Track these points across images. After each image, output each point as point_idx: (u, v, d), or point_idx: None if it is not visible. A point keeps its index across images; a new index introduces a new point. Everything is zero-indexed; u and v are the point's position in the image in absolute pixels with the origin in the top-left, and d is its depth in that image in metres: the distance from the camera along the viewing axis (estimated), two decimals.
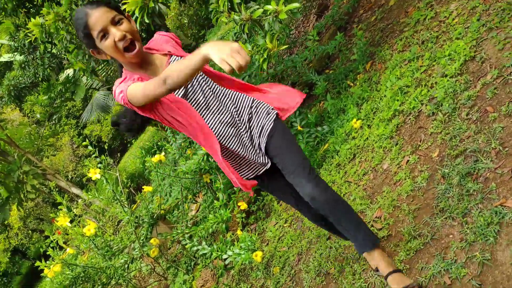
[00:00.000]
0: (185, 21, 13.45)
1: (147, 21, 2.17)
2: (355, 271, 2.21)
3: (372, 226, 2.33)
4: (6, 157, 8.22)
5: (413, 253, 2.00)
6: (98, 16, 1.39)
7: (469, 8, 3.00)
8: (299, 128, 3.55)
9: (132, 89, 1.41)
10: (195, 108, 1.59)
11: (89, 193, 3.72)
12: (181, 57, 1.59)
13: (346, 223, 1.71)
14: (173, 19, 12.90)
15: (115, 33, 1.41)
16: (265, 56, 2.28)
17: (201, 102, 1.60)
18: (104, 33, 1.42)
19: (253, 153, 1.71)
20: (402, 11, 3.87)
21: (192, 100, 1.59)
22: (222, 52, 1.14)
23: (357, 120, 3.14)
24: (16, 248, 14.68)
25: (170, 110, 1.55)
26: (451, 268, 1.77)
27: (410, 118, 2.71)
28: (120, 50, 1.43)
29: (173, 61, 1.57)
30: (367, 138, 2.99)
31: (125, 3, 2.39)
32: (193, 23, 13.69)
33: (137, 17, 2.18)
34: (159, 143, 4.90)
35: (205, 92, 1.60)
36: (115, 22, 1.43)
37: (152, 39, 1.67)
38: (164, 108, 1.55)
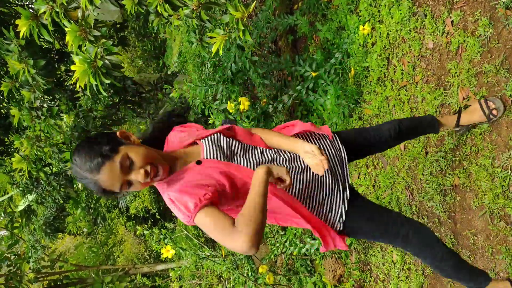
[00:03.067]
0: (140, 63, 13.15)
1: (107, 81, 1.87)
2: (485, 166, 1.85)
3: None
4: (86, 282, 8.21)
5: None
6: (109, 179, 1.20)
7: None
8: (313, 74, 3.17)
9: (205, 217, 1.19)
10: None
11: (175, 267, 3.52)
12: (207, 136, 1.41)
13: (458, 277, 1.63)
14: (128, 69, 12.62)
15: (137, 178, 1.22)
16: (242, 27, 1.92)
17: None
18: (128, 183, 1.23)
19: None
20: None
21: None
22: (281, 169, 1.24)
23: (363, 25, 2.73)
24: None
25: None
26: None
27: None
28: (151, 183, 1.27)
29: (206, 142, 1.39)
30: (387, 34, 2.58)
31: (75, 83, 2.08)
32: (147, 60, 13.38)
33: (96, 85, 1.88)
34: None
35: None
36: (127, 169, 1.22)
37: (167, 141, 1.49)
38: None
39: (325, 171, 1.43)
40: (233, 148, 1.39)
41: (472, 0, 1.93)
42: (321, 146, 1.52)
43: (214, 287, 5.66)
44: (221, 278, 5.72)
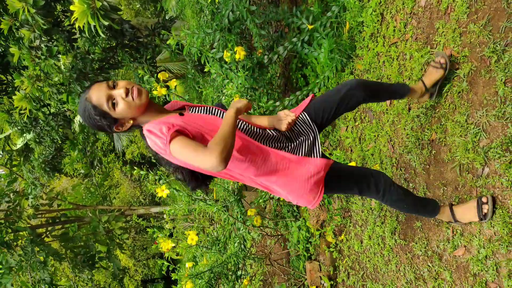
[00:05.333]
0: (137, 6, 12.84)
1: (105, 23, 1.92)
2: (459, 122, 1.98)
3: (452, 64, 2.05)
4: (84, 220, 8.55)
5: (511, 66, 1.72)
6: (97, 93, 1.43)
7: None
8: (309, 26, 3.21)
9: (179, 144, 1.40)
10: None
11: (169, 208, 3.72)
12: (198, 107, 1.64)
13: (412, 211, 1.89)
14: (126, 11, 12.33)
15: (120, 92, 1.44)
16: None
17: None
18: (112, 100, 1.44)
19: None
20: None
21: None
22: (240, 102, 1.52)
23: None
24: (143, 280, 15.79)
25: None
26: None
27: None
28: (133, 102, 1.45)
29: (192, 109, 1.63)
30: None
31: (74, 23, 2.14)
32: (145, 3, 13.04)
33: (95, 26, 1.93)
34: None
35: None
36: (112, 87, 1.46)
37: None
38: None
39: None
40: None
41: None
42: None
43: (206, 229, 5.96)
44: (212, 221, 6.02)
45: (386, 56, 2.59)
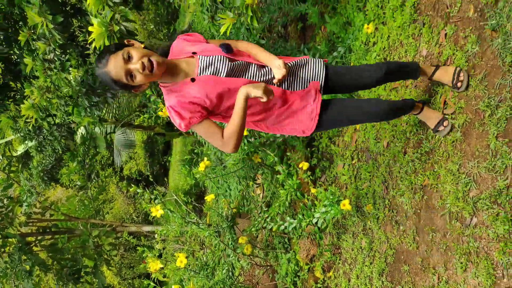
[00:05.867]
0: (151, 27, 13.13)
1: None
2: (452, 171, 2.03)
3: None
4: (74, 232, 8.49)
5: (504, 122, 1.79)
6: (115, 68, 1.54)
7: None
8: None
9: (197, 130, 1.69)
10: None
11: (161, 228, 3.73)
12: (206, 56, 1.68)
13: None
14: (139, 31, 12.62)
15: (136, 67, 1.54)
16: (250, 13, 2.06)
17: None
18: (130, 74, 1.55)
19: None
20: None
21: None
22: (257, 87, 1.60)
23: (368, 24, 2.86)
24: None
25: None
26: None
27: None
28: (149, 74, 1.56)
29: (201, 60, 1.67)
30: (388, 36, 2.72)
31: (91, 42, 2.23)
32: (158, 24, 13.34)
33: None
34: (195, 150, 4.80)
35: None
36: (127, 59, 1.55)
37: (171, 47, 1.78)
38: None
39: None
40: (233, 69, 1.69)
41: (466, 17, 2.07)
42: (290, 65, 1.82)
43: (195, 253, 5.92)
44: (203, 245, 5.98)
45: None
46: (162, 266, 3.30)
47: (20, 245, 6.19)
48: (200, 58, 1.68)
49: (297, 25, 4.09)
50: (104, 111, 7.95)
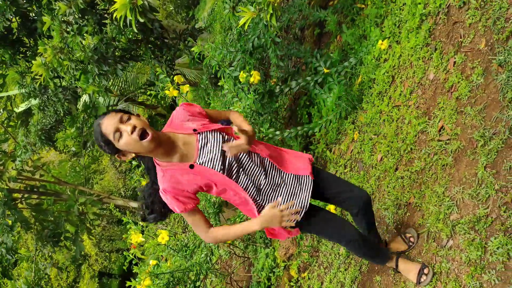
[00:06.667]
0: (170, 8, 13.16)
1: (141, 20, 2.07)
2: (437, 193, 2.10)
3: (439, 140, 2.19)
4: (61, 196, 8.53)
5: (494, 154, 1.87)
6: (108, 122, 1.51)
7: None
8: (325, 70, 3.38)
9: (184, 216, 1.67)
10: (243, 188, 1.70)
11: None
12: (206, 132, 1.63)
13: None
14: (159, 11, 12.64)
15: (126, 128, 1.50)
16: (271, 11, 2.12)
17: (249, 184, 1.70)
18: (119, 133, 1.50)
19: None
20: None
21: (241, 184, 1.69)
22: (274, 221, 1.60)
23: (382, 41, 2.93)
24: (101, 271, 15.51)
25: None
26: None
27: (440, 17, 2.49)
28: (136, 141, 1.50)
29: (202, 139, 1.62)
30: (400, 55, 2.79)
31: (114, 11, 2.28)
32: (179, 7, 13.37)
33: (130, 20, 2.08)
34: None
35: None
36: (124, 121, 1.52)
37: (171, 117, 1.73)
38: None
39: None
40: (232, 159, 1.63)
41: (477, 49, 2.14)
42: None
43: (177, 235, 5.98)
44: (186, 229, 6.05)
45: (387, 115, 2.75)
46: (143, 239, 3.35)
47: (6, 199, 6.23)
48: (199, 138, 1.62)
49: (314, 30, 4.15)
50: (110, 83, 7.99)
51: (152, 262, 3.38)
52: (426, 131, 2.32)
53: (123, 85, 8.94)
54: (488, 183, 1.85)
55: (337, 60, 3.40)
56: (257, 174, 1.69)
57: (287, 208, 1.61)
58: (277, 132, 3.19)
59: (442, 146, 2.17)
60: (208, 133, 1.63)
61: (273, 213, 1.59)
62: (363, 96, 3.13)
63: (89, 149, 9.67)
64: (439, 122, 2.24)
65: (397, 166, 2.51)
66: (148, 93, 3.90)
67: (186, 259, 3.37)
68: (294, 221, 1.67)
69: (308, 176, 1.80)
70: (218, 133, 1.64)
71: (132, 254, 3.39)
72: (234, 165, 1.64)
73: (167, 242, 3.19)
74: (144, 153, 1.57)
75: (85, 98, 7.10)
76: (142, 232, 3.78)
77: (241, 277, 4.02)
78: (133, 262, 3.34)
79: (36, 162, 8.23)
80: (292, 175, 1.78)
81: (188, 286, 3.44)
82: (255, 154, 1.71)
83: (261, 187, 1.71)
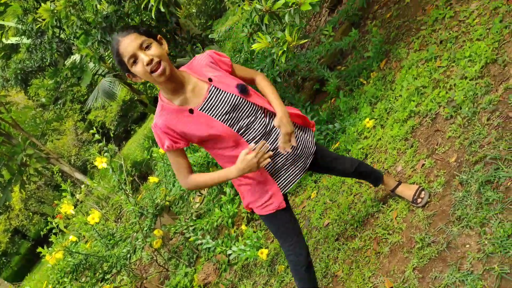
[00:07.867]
0: (193, 10, 13.34)
1: (162, 9, 2.11)
2: (364, 275, 2.16)
3: (383, 229, 2.27)
4: (11, 140, 8.19)
5: (426, 260, 1.95)
6: (127, 43, 1.47)
7: (491, 9, 2.91)
8: None
9: (169, 156, 1.67)
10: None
11: (93, 180, 3.69)
12: (220, 89, 1.61)
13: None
14: (182, 8, 12.79)
15: (143, 58, 1.46)
16: (284, 49, 2.21)
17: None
18: (134, 59, 1.48)
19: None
20: (419, 9, 3.77)
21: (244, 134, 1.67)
22: (250, 164, 1.57)
23: (370, 119, 3.07)
24: (17, 229, 14.73)
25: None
26: (466, 280, 1.72)
27: (426, 120, 2.64)
28: (148, 73, 1.48)
29: (212, 91, 1.60)
30: (380, 138, 2.92)
31: None
32: (201, 12, 13.58)
33: (152, 6, 2.11)
34: None
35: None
36: (143, 48, 1.48)
37: (194, 58, 1.71)
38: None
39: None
40: (241, 112, 1.63)
41: (447, 161, 2.28)
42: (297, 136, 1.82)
43: (109, 222, 5.81)
44: (119, 220, 5.89)
45: (348, 188, 2.83)
46: (73, 213, 3.25)
47: None
48: (212, 89, 1.61)
49: (314, 84, 4.29)
50: (106, 54, 7.91)
51: (72, 238, 3.27)
52: (377, 216, 2.41)
53: None
54: (411, 284, 1.92)
55: (324, 120, 3.51)
56: (259, 129, 1.68)
57: (260, 149, 1.58)
58: None
59: (384, 235, 2.25)
60: (220, 92, 1.61)
61: (248, 158, 1.57)
62: None
63: (58, 106, 9.42)
64: (391, 212, 2.33)
65: (338, 237, 2.57)
66: None
67: (106, 248, 3.28)
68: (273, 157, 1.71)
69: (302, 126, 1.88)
70: (230, 94, 1.61)
71: (55, 223, 3.27)
72: (242, 123, 1.63)
73: (95, 224, 3.11)
74: (153, 83, 1.57)
75: (76, 57, 6.99)
76: (75, 206, 3.66)
77: (153, 286, 3.92)
78: (53, 231, 3.22)
79: (1, 97, 7.92)
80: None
81: (97, 274, 3.33)
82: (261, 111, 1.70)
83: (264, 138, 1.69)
